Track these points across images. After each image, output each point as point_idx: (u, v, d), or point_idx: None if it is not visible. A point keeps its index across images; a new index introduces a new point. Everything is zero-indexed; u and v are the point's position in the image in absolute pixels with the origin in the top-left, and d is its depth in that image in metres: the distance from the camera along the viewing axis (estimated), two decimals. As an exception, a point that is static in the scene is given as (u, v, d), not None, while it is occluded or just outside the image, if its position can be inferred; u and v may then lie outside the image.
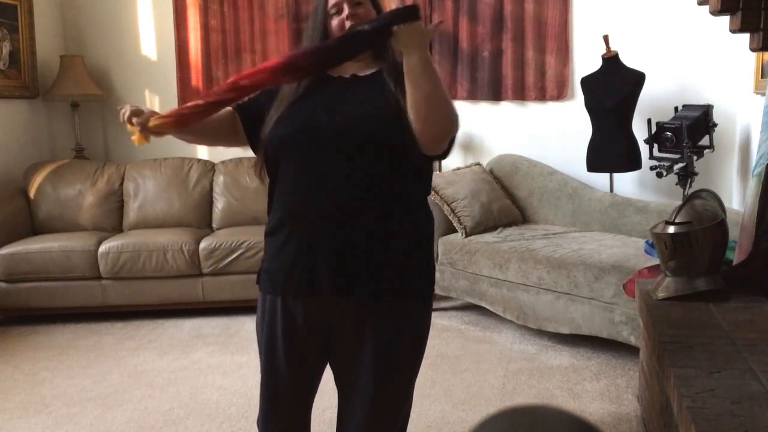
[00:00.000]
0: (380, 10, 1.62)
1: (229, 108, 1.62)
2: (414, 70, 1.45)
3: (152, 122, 1.44)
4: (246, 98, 1.63)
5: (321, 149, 1.52)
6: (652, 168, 3.55)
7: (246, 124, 1.65)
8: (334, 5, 1.56)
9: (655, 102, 3.86)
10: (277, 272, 1.60)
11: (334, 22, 1.57)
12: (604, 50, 3.79)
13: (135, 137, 1.46)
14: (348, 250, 1.53)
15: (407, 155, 1.55)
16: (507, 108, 4.32)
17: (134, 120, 1.45)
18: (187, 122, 1.49)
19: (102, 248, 3.81)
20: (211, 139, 1.69)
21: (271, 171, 1.62)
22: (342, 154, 1.52)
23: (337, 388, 1.71)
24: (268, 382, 1.67)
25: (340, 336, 1.63)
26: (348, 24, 1.55)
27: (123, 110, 1.48)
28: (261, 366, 1.69)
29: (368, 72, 1.63)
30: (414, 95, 1.47)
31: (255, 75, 1.49)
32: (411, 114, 1.48)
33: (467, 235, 3.72)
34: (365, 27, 1.47)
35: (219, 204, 4.28)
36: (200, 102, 1.48)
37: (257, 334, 1.70)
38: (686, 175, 3.51)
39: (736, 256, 2.37)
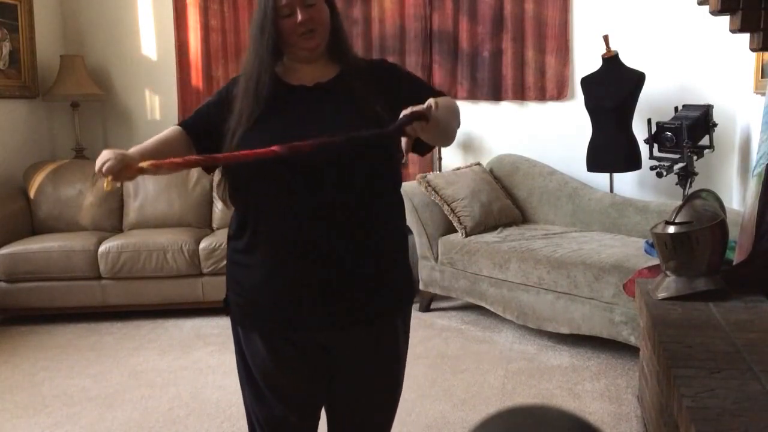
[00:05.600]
0: (333, 7, 1.53)
1: (179, 130, 1.51)
2: (431, 139, 1.41)
3: (144, 164, 1.34)
4: (192, 117, 1.56)
5: (300, 170, 1.40)
6: (652, 168, 3.55)
7: (199, 146, 1.50)
8: (287, 5, 1.44)
9: (655, 102, 3.86)
10: (256, 308, 1.51)
11: (287, 23, 1.46)
12: (604, 50, 3.79)
13: (106, 183, 1.35)
14: (338, 281, 1.46)
15: (388, 165, 1.52)
16: (507, 108, 4.32)
17: (104, 169, 1.31)
18: (162, 167, 1.35)
19: (102, 248, 3.81)
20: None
21: (241, 193, 1.49)
22: (324, 173, 1.41)
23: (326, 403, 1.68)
24: (272, 410, 1.58)
25: (333, 355, 1.58)
26: (302, 30, 1.45)
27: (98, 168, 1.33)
28: (255, 394, 1.58)
29: (331, 77, 1.53)
30: (433, 142, 1.47)
31: (245, 156, 1.34)
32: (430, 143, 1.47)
33: (467, 235, 3.71)
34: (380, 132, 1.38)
35: (219, 204, 4.27)
36: (178, 160, 1.35)
37: (239, 366, 1.60)
38: (686, 175, 3.50)
39: (736, 256, 2.36)
